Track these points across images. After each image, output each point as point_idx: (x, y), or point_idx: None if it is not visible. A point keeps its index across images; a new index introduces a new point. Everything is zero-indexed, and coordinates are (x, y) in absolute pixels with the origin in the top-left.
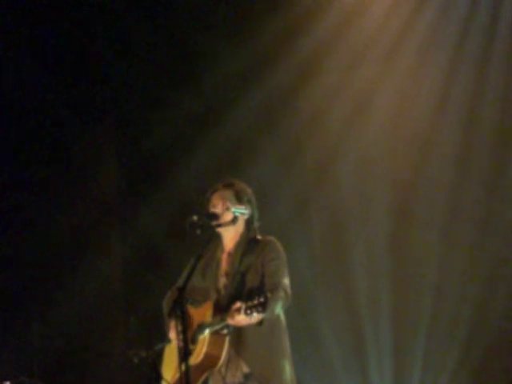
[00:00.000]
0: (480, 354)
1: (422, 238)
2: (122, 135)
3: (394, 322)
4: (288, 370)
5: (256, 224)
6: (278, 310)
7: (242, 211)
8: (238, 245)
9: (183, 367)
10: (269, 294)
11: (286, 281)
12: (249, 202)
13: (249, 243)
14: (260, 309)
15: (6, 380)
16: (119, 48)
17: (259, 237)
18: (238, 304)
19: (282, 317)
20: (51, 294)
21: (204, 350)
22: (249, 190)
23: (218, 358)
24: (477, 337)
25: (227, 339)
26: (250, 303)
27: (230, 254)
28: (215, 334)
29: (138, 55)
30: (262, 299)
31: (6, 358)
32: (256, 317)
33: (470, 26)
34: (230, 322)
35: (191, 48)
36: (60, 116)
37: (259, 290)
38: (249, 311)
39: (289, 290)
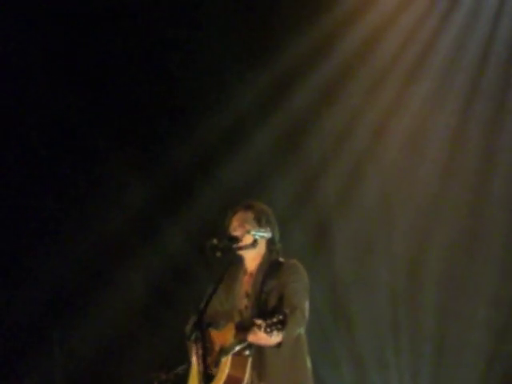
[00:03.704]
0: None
1: (445, 262)
2: (149, 152)
3: (416, 347)
4: None
5: (278, 245)
6: (296, 332)
7: (262, 234)
8: (259, 267)
9: None
10: (288, 312)
11: (306, 304)
12: (268, 223)
13: (271, 266)
14: (279, 326)
15: None
16: (144, 66)
17: (282, 259)
18: (258, 321)
19: (304, 340)
20: (74, 310)
21: (226, 371)
22: (268, 211)
23: (241, 379)
24: (496, 361)
25: (249, 360)
26: (269, 321)
27: (251, 276)
28: (237, 355)
29: (163, 72)
30: (281, 317)
31: (28, 372)
32: (276, 335)
33: (491, 49)
34: (251, 339)
35: (213, 70)
36: (89, 135)
37: (279, 310)
38: (268, 329)
39: (306, 314)
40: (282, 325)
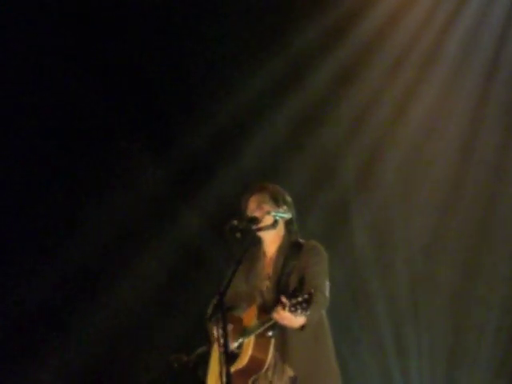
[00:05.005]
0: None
1: (464, 241)
2: (165, 135)
3: (434, 326)
4: (334, 373)
5: (296, 226)
6: (319, 314)
7: (282, 215)
8: (280, 248)
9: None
10: (312, 290)
11: (326, 286)
12: (285, 202)
13: (291, 247)
14: (304, 305)
15: None
16: (159, 48)
17: (302, 240)
18: (283, 300)
19: (326, 322)
20: (90, 295)
21: (249, 353)
22: (283, 192)
23: (264, 361)
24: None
25: (272, 341)
26: (294, 300)
27: (272, 258)
28: (260, 336)
29: (179, 54)
30: (306, 296)
31: (44, 358)
32: (300, 314)
33: (510, 29)
34: (275, 317)
35: (230, 52)
36: (104, 119)
37: (301, 290)
38: (293, 308)
39: (327, 294)
40: (306, 304)
